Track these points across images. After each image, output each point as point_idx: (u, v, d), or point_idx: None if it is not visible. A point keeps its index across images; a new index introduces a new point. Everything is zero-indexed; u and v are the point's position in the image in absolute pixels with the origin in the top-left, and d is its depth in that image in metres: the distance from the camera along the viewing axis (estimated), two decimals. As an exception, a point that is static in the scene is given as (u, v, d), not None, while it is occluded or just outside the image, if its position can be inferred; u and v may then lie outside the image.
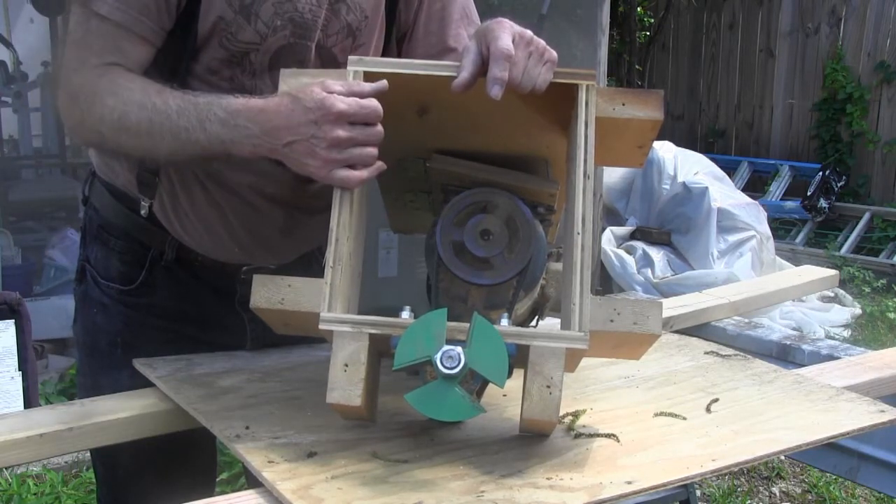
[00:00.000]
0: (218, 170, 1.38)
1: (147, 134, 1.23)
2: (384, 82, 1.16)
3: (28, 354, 1.81)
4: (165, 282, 1.45)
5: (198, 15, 1.29)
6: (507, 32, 1.13)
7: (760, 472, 3.42)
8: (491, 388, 1.21)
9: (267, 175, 1.39)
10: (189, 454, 1.46)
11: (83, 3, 1.28)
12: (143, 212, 1.41)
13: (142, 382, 1.36)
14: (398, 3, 1.45)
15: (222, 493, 1.19)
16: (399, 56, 1.48)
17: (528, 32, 1.15)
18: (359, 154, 1.15)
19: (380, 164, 1.17)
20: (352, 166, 1.15)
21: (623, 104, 1.15)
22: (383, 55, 1.47)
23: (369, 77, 1.16)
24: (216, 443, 1.56)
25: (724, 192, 5.18)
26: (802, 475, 3.41)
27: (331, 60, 1.38)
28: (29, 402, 1.80)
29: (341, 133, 1.13)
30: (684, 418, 1.22)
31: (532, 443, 1.14)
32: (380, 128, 1.15)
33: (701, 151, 6.06)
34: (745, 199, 5.32)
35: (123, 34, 1.27)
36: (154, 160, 1.31)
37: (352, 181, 1.14)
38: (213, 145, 1.20)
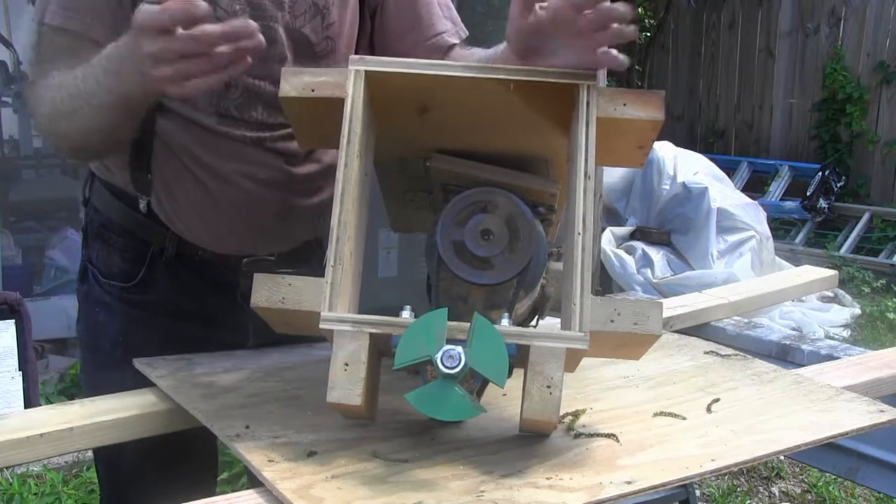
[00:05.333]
0: (208, 161, 1.39)
1: (73, 113, 1.24)
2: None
3: (28, 354, 1.81)
4: (166, 278, 1.46)
5: None
6: None
7: (760, 472, 3.42)
8: (491, 387, 1.21)
9: (256, 161, 1.40)
10: (190, 454, 1.46)
11: (38, 20, 1.30)
12: (141, 208, 1.42)
13: (144, 381, 1.36)
14: None
15: (222, 493, 1.19)
16: (374, 31, 1.50)
17: None
18: (184, 67, 1.10)
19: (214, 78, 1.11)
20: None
21: (624, 104, 1.15)
22: (360, 31, 1.48)
23: (371, 77, 1.16)
24: (217, 442, 1.56)
25: (723, 193, 5.18)
26: (802, 475, 3.41)
27: (302, 40, 1.39)
28: (29, 402, 1.79)
29: (151, 48, 1.09)
30: (684, 418, 1.22)
31: (532, 443, 1.14)
32: (200, 30, 1.08)
33: (701, 151, 6.06)
34: (744, 199, 5.32)
35: (78, 41, 1.28)
36: (95, 141, 1.29)
37: (191, 90, 1.11)
38: (115, 100, 1.19)
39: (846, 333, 4.87)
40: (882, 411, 1.25)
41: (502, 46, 1.30)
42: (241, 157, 1.39)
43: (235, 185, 1.40)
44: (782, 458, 2.98)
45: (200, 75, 1.11)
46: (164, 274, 1.46)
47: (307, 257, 1.53)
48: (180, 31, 1.08)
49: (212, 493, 1.32)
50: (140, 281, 1.46)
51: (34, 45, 1.33)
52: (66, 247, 4.27)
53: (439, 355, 1.01)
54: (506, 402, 1.26)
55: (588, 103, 1.14)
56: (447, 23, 1.50)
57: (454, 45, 1.50)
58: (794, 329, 4.40)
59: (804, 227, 6.79)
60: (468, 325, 1.04)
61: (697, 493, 2.78)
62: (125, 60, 1.15)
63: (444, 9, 1.52)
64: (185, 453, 1.44)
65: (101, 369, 1.50)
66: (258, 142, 1.40)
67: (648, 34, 8.78)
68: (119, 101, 1.20)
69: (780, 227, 6.77)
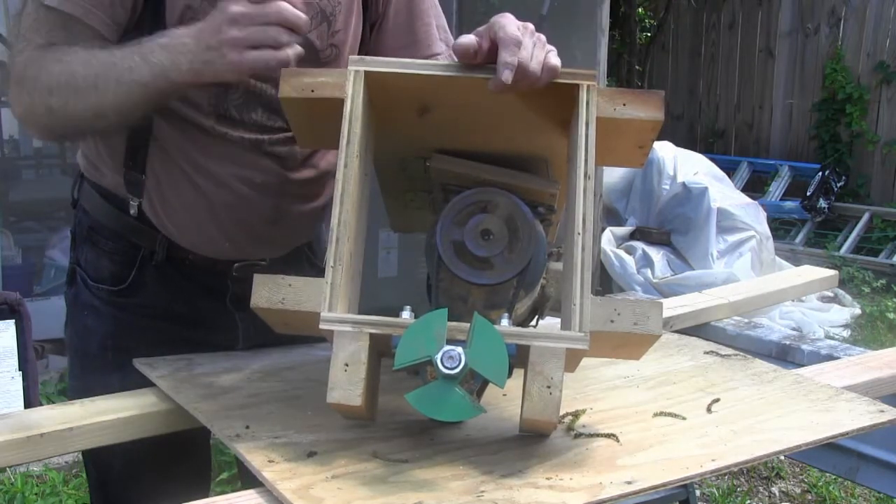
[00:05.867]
0: (204, 163, 1.38)
1: (93, 87, 1.23)
2: None
3: (28, 354, 1.81)
4: (156, 281, 1.45)
5: (164, 7, 1.30)
6: (512, 23, 1.14)
7: (760, 472, 3.42)
8: (491, 388, 1.21)
9: (253, 165, 1.40)
10: (183, 456, 1.46)
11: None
12: (132, 211, 1.41)
13: (132, 385, 1.35)
14: None
15: (222, 493, 1.19)
16: (370, 45, 1.50)
17: (530, 25, 1.16)
18: (262, 33, 1.17)
19: (295, 51, 1.19)
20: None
21: (624, 104, 1.16)
22: (361, 44, 1.48)
23: (370, 77, 1.16)
24: (210, 444, 1.56)
25: (723, 193, 5.18)
26: (802, 475, 3.41)
27: (307, 46, 1.39)
28: (29, 402, 1.80)
29: (237, 8, 1.16)
30: (684, 418, 1.22)
31: (532, 443, 1.14)
32: (280, 8, 1.17)
33: (700, 151, 6.06)
34: (744, 199, 5.32)
35: (74, 25, 1.27)
36: (102, 121, 1.28)
37: (258, 60, 1.17)
38: (156, 79, 1.21)
39: (846, 333, 4.87)
40: (882, 411, 1.25)
41: None
42: (237, 160, 1.39)
43: (230, 189, 1.40)
44: (782, 458, 2.98)
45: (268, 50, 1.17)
46: (154, 277, 1.45)
47: (299, 261, 1.53)
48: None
49: (206, 495, 1.33)
50: (129, 284, 1.45)
51: (22, 15, 1.31)
52: (65, 247, 4.24)
53: (439, 356, 1.01)
54: (506, 402, 1.26)
55: (588, 103, 1.14)
56: (442, 45, 1.51)
57: None
58: (794, 329, 4.40)
59: (804, 227, 6.79)
60: (468, 325, 1.04)
61: (697, 493, 2.78)
62: (193, 34, 1.20)
63: (441, 31, 1.53)
64: (180, 455, 1.44)
65: (90, 373, 1.49)
66: (256, 144, 1.40)
67: (648, 34, 8.78)
68: (159, 84, 1.22)
69: (780, 227, 6.77)
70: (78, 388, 1.51)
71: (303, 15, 1.19)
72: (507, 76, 1.10)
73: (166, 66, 1.20)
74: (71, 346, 1.55)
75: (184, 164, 1.38)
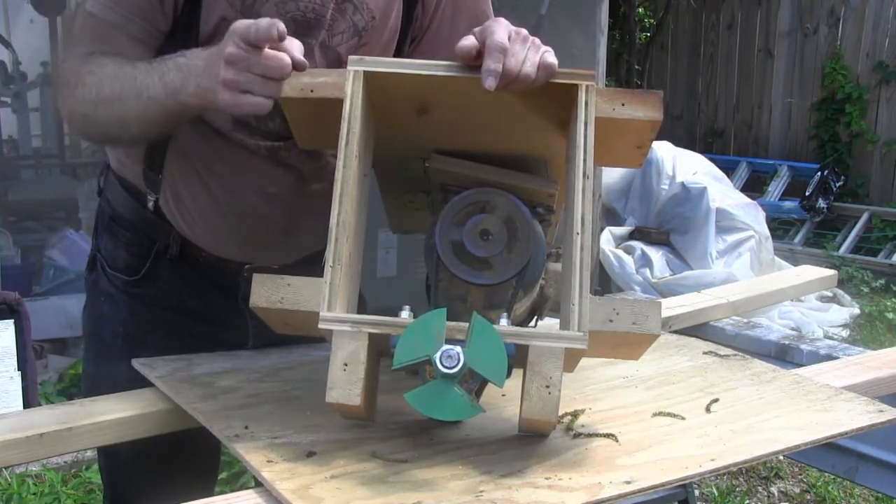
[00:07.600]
0: (219, 169, 1.39)
1: (118, 101, 1.26)
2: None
3: (27, 354, 1.82)
4: (169, 275, 1.47)
5: (198, 16, 1.30)
6: (502, 28, 1.14)
7: (759, 472, 3.42)
8: (490, 387, 1.21)
9: (267, 175, 1.40)
10: (191, 453, 1.47)
11: (80, 3, 1.33)
12: (149, 205, 1.43)
13: (142, 375, 1.37)
14: (415, 9, 1.45)
15: (222, 492, 1.19)
16: (405, 56, 1.48)
17: (524, 30, 1.16)
18: (256, 81, 1.14)
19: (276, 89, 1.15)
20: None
21: (622, 104, 1.16)
22: (396, 55, 1.47)
23: (369, 77, 1.16)
24: (218, 441, 1.57)
25: (722, 192, 5.18)
26: (801, 475, 3.41)
27: (335, 59, 1.38)
28: (28, 402, 1.80)
29: (233, 49, 1.13)
30: (683, 418, 1.22)
31: (531, 442, 1.14)
32: (276, 56, 1.14)
33: (700, 151, 6.05)
34: (743, 199, 5.32)
35: (114, 33, 1.29)
36: (127, 131, 1.31)
37: (252, 106, 1.15)
38: (168, 98, 1.22)
39: (845, 333, 4.87)
40: (881, 411, 1.25)
41: None
42: (252, 168, 1.39)
43: (243, 197, 1.41)
44: (781, 457, 2.98)
45: (258, 93, 1.15)
46: (168, 271, 1.47)
47: (312, 268, 1.52)
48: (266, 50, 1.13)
49: (211, 494, 1.33)
50: (144, 276, 1.47)
51: (74, 19, 1.36)
52: (65, 247, 4.27)
53: (438, 355, 1.01)
54: (505, 402, 1.26)
55: (587, 103, 1.14)
56: None
57: None
58: (793, 329, 4.40)
59: (803, 227, 6.79)
60: (467, 325, 1.04)
61: (696, 493, 2.78)
62: (205, 57, 1.19)
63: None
64: (187, 453, 1.44)
65: (102, 359, 1.51)
66: (272, 152, 1.39)
67: (648, 34, 8.78)
68: (171, 105, 1.23)
69: (779, 227, 6.76)
70: (90, 371, 1.55)
71: (288, 60, 1.14)
72: (490, 83, 1.11)
73: (177, 87, 1.21)
74: (86, 330, 1.58)
75: (200, 168, 1.40)
